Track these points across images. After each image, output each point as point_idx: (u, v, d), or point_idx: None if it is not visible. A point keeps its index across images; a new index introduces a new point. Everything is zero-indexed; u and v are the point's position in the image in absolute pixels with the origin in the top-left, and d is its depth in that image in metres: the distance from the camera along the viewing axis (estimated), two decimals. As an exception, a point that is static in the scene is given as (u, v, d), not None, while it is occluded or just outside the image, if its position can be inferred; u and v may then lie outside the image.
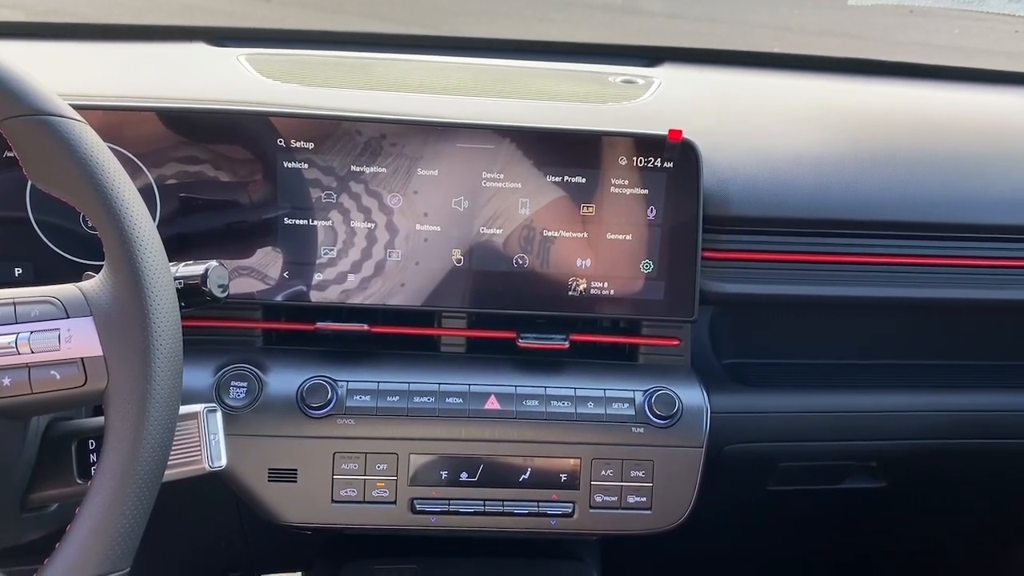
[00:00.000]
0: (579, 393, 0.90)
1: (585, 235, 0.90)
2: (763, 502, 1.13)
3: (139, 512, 0.59)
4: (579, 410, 0.89)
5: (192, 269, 0.72)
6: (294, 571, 1.47)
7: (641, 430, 0.89)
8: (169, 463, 0.64)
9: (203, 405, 0.72)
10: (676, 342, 0.94)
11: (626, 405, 0.90)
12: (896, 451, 1.06)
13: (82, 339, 0.60)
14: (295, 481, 0.87)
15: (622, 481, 0.90)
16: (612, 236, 0.90)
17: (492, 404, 0.89)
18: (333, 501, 0.88)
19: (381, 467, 0.88)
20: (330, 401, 0.86)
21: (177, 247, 0.86)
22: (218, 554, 1.17)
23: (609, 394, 0.90)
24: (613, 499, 0.90)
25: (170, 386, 0.61)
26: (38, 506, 0.75)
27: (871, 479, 1.10)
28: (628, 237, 0.91)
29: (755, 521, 1.24)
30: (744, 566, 1.50)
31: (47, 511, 0.77)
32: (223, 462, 0.71)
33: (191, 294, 0.71)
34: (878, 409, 1.02)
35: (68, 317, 0.60)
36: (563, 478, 0.90)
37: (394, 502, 0.89)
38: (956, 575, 1.52)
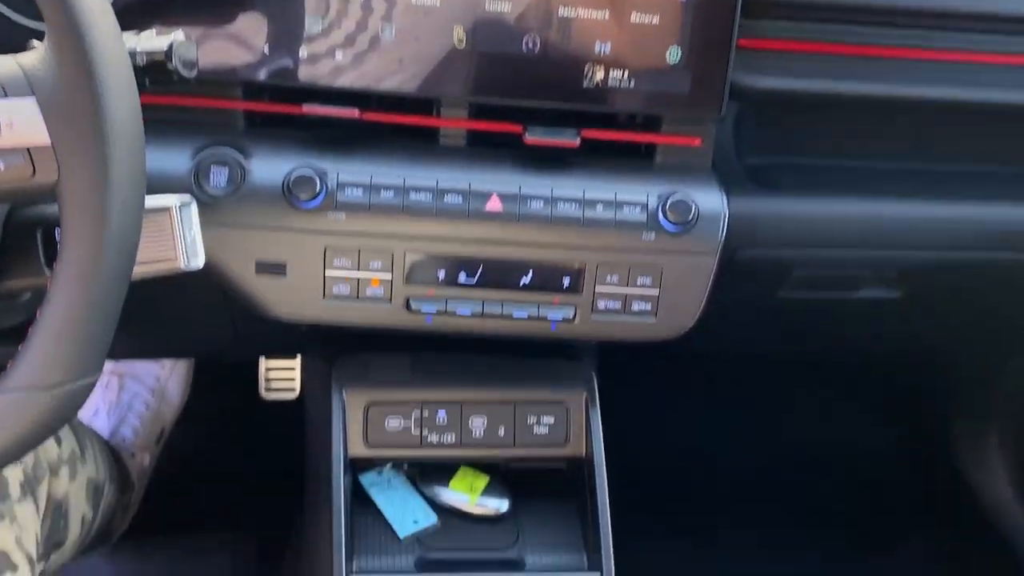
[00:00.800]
0: (588, 196, 0.83)
1: (606, 15, 0.79)
2: (770, 307, 1.10)
3: (105, 316, 0.55)
4: (587, 214, 0.83)
5: (154, 43, 0.62)
6: (290, 356, 1.48)
7: (652, 236, 0.84)
8: (139, 261, 0.58)
9: (177, 197, 0.66)
10: (697, 141, 0.86)
11: (638, 209, 0.83)
12: (916, 261, 1.01)
13: (25, 125, 0.52)
14: (284, 275, 0.83)
15: (628, 287, 0.86)
16: (637, 17, 0.80)
17: (494, 204, 0.82)
18: (325, 297, 0.84)
19: (375, 265, 0.83)
20: (319, 193, 0.80)
21: (140, 13, 0.76)
22: (210, 341, 1.16)
23: (620, 197, 0.83)
24: (617, 305, 0.86)
25: (131, 178, 0.54)
26: (8, 295, 0.71)
27: (886, 289, 1.06)
28: (655, 19, 0.80)
29: (760, 323, 1.22)
30: (743, 366, 1.51)
31: (21, 300, 0.74)
32: (200, 260, 0.66)
33: (154, 71, 0.63)
34: (902, 217, 0.96)
35: (6, 96, 0.52)
36: (566, 283, 0.85)
37: (389, 300, 0.85)
38: (953, 379, 1.54)
